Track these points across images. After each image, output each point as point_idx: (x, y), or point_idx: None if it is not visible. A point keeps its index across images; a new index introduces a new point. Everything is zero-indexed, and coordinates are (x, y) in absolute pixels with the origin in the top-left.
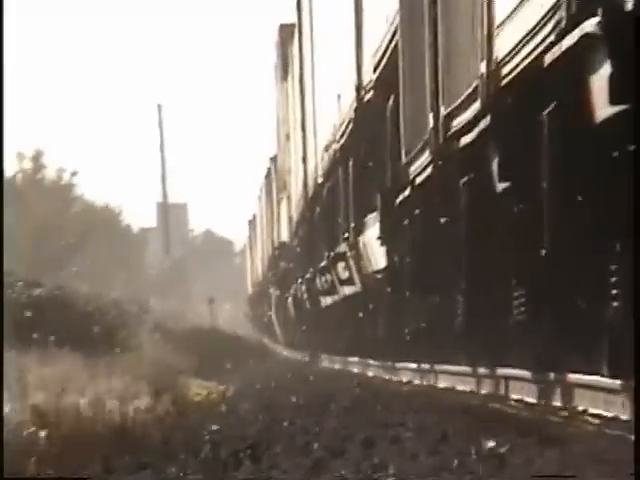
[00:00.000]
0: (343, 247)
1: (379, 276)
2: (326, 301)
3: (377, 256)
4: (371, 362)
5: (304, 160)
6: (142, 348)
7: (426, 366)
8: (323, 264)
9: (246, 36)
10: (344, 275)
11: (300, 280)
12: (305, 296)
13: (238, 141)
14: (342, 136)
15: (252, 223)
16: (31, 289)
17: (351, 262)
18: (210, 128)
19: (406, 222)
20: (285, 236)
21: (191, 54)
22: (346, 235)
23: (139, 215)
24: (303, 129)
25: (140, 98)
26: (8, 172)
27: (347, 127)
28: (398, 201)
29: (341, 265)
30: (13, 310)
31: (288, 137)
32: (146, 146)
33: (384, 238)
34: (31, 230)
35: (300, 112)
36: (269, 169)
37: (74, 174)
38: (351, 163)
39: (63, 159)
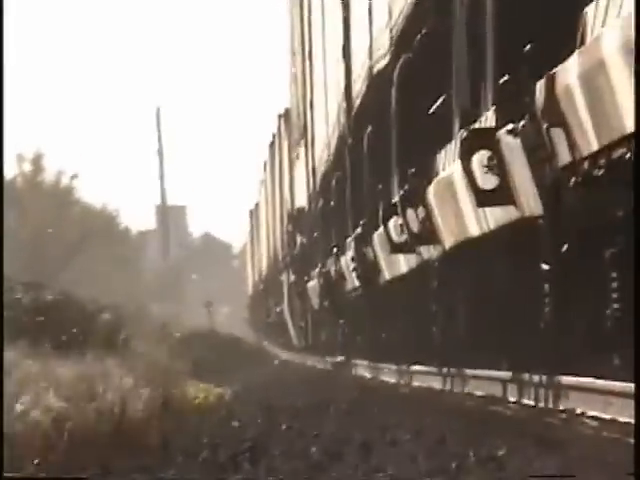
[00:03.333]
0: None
1: None
2: (397, 266)
3: None
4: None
5: (345, 55)
6: (140, 350)
7: None
8: (405, 192)
9: (245, 37)
10: (488, 183)
11: (335, 250)
12: (351, 267)
13: (237, 143)
14: None
15: (254, 212)
16: (34, 292)
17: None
18: (209, 130)
19: None
20: (304, 201)
21: (189, 56)
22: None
23: (138, 218)
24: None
25: (139, 101)
26: (8, 174)
27: None
28: None
29: (479, 162)
30: (16, 313)
31: (310, 54)
32: (145, 149)
33: None
34: (30, 232)
35: None
36: (274, 136)
37: (74, 177)
38: None
39: (62, 162)
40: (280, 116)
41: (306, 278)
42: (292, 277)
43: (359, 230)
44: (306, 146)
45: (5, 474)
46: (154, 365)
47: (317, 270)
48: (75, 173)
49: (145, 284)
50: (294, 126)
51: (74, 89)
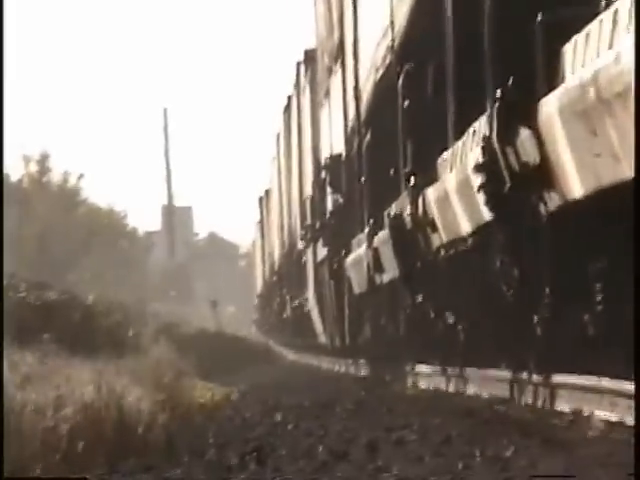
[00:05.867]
0: None
1: None
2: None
3: None
4: None
5: None
6: (146, 350)
7: None
8: None
9: (252, 38)
10: None
11: (413, 181)
12: (476, 184)
13: (243, 144)
14: None
15: (265, 199)
16: (40, 292)
17: None
18: (215, 131)
19: None
20: (339, 147)
21: (196, 57)
22: None
23: (144, 218)
24: None
25: (146, 102)
26: (15, 175)
27: None
28: None
29: None
30: (21, 312)
31: None
32: (151, 149)
33: None
34: (37, 233)
35: None
36: (289, 98)
37: (80, 177)
38: None
39: (69, 162)
40: (299, 64)
41: (344, 251)
42: (322, 253)
43: (500, 106)
44: (343, 65)
45: (5, 475)
46: (160, 364)
47: (364, 234)
48: (81, 173)
49: (151, 284)
50: (323, 55)
51: (81, 89)
